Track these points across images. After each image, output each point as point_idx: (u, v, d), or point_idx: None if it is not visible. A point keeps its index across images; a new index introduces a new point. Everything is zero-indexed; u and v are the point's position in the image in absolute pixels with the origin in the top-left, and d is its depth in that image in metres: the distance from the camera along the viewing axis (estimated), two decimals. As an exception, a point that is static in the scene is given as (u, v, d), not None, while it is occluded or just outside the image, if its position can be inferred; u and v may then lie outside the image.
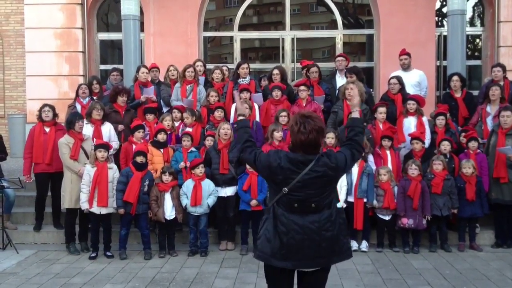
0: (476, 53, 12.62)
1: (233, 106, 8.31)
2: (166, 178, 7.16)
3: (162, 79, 9.39)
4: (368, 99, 8.56)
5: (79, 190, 7.11)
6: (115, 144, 7.87)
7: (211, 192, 7.27)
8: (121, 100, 8.28)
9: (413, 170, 7.25)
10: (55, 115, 7.82)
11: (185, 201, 7.23)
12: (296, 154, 3.59)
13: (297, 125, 3.56)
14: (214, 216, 7.58)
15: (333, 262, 3.66)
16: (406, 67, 9.10)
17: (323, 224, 3.52)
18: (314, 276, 3.66)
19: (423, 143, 7.70)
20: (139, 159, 7.12)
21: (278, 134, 7.58)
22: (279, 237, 3.54)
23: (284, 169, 3.55)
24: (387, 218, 7.36)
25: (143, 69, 8.95)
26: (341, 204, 3.80)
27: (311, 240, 3.50)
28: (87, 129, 7.71)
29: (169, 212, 7.21)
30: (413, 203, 7.15)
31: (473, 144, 7.58)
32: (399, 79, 8.59)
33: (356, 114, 3.86)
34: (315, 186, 3.52)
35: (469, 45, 12.48)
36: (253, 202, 7.20)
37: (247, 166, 7.28)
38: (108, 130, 7.89)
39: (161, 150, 7.63)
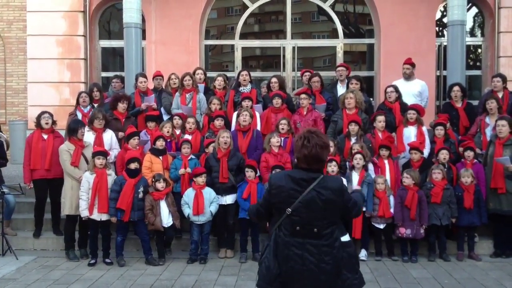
0: (477, 63, 12.66)
1: (234, 114, 8.34)
2: (162, 185, 7.16)
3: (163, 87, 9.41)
4: (367, 109, 8.60)
5: (79, 197, 7.12)
6: (116, 151, 7.88)
7: (213, 200, 7.29)
8: (122, 107, 8.31)
9: (405, 179, 7.28)
10: (53, 122, 7.85)
11: (187, 211, 7.24)
12: (298, 171, 3.60)
13: (301, 140, 3.59)
14: (213, 224, 7.58)
15: None
16: (407, 77, 9.13)
17: (323, 257, 3.50)
18: None
19: (422, 153, 7.71)
20: (133, 165, 7.12)
21: (274, 140, 7.60)
22: (278, 265, 3.55)
23: (286, 188, 3.56)
24: (381, 226, 7.37)
25: (141, 79, 8.97)
26: (347, 238, 3.77)
27: (309, 271, 3.50)
28: (89, 137, 7.73)
29: (166, 219, 7.22)
30: (410, 213, 7.16)
31: (468, 154, 7.60)
32: (395, 87, 8.63)
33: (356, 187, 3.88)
34: (317, 207, 3.51)
35: (469, 55, 12.52)
36: (253, 210, 7.20)
37: (247, 175, 7.31)
38: (109, 138, 7.91)
39: (160, 157, 7.65)
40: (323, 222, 3.53)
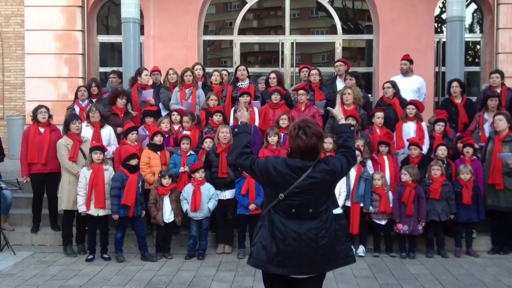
0: (475, 60, 12.66)
1: (232, 110, 8.32)
2: (167, 181, 7.17)
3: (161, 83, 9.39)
4: (365, 104, 8.59)
5: (76, 192, 7.10)
6: (114, 147, 7.86)
7: (211, 196, 7.28)
8: (121, 102, 8.29)
9: (403, 176, 7.28)
10: (50, 116, 7.82)
11: (186, 206, 7.24)
12: (294, 159, 3.59)
13: (295, 130, 3.58)
14: (212, 220, 7.58)
15: (329, 269, 3.67)
16: (404, 72, 9.12)
17: (320, 231, 3.53)
18: (309, 283, 3.65)
19: (421, 149, 7.71)
20: (134, 162, 7.13)
21: (270, 139, 7.59)
22: (276, 244, 3.54)
23: (282, 174, 3.55)
24: (383, 222, 7.37)
25: (146, 72, 8.97)
26: (339, 210, 3.78)
27: (308, 247, 3.51)
28: (87, 132, 7.71)
29: (168, 215, 7.22)
30: (407, 209, 7.17)
31: (467, 150, 7.60)
32: (393, 83, 8.62)
33: (342, 121, 3.87)
34: (312, 191, 3.53)
35: (468, 52, 12.52)
36: (252, 206, 7.21)
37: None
38: (108, 133, 7.89)
39: (158, 153, 7.63)
40: (318, 203, 3.56)
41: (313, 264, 3.55)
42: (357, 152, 7.28)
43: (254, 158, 3.75)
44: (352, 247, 7.11)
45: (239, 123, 4.03)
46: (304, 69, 9.45)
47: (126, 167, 7.08)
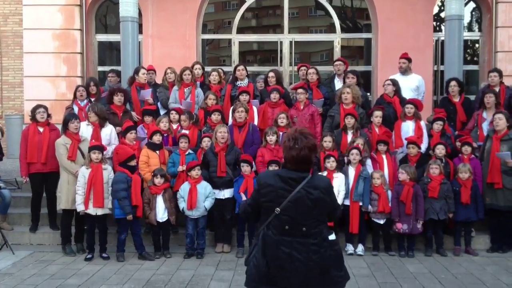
0: (474, 58, 12.66)
1: (231, 109, 8.32)
2: (158, 180, 7.18)
3: (158, 82, 9.37)
4: (364, 103, 8.58)
5: (75, 191, 7.10)
6: (114, 146, 7.83)
7: (208, 195, 7.27)
8: (117, 99, 8.26)
9: (400, 175, 7.29)
10: (48, 115, 7.81)
11: (182, 205, 7.24)
12: (287, 171, 3.61)
13: (289, 141, 3.59)
14: (210, 219, 7.58)
15: None
16: (403, 71, 9.12)
17: (311, 255, 3.52)
18: None
19: (419, 148, 7.71)
20: (133, 162, 7.16)
21: (269, 138, 7.59)
22: (266, 263, 3.56)
23: (275, 188, 3.56)
24: (381, 222, 7.38)
25: (143, 70, 8.95)
26: (333, 236, 3.79)
27: (298, 269, 3.51)
28: (88, 131, 7.71)
29: (161, 214, 7.22)
30: (406, 208, 7.17)
31: (466, 149, 7.60)
32: (393, 81, 8.63)
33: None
34: (306, 207, 3.52)
35: (467, 50, 12.52)
36: (250, 205, 7.19)
37: (243, 170, 7.30)
38: (109, 133, 7.86)
39: (157, 152, 7.63)
40: (312, 221, 3.55)
41: (304, 285, 3.55)
42: (355, 151, 7.35)
43: (246, 202, 3.87)
44: (351, 245, 7.25)
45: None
46: (303, 68, 9.45)
47: (127, 168, 7.09)
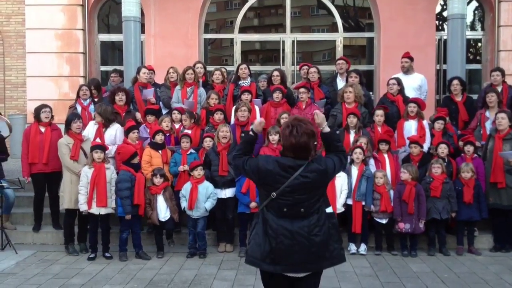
0: (477, 57, 12.64)
1: (233, 109, 8.32)
2: (158, 180, 7.19)
3: (160, 81, 9.37)
4: (367, 102, 8.58)
5: (78, 191, 7.11)
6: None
7: (209, 195, 7.27)
8: (118, 99, 8.26)
9: (402, 174, 7.28)
10: (52, 116, 7.83)
11: (184, 204, 7.26)
12: (286, 158, 3.62)
13: (288, 128, 3.61)
14: (213, 218, 7.58)
15: (324, 267, 3.69)
16: (405, 70, 9.11)
17: (312, 229, 3.54)
18: (306, 281, 3.67)
19: (422, 147, 7.70)
20: (136, 160, 7.21)
21: (271, 137, 7.58)
22: (268, 242, 3.57)
23: (273, 173, 3.58)
24: (384, 221, 7.37)
25: (144, 70, 8.95)
26: (331, 209, 3.80)
27: (300, 246, 3.53)
28: (94, 130, 7.73)
29: (164, 213, 7.23)
30: (408, 207, 7.16)
31: (468, 149, 7.58)
32: (398, 80, 8.61)
33: (326, 129, 3.86)
34: (304, 191, 3.55)
35: (469, 49, 12.50)
36: (253, 204, 7.21)
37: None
38: (114, 133, 7.85)
39: (160, 151, 7.64)
40: (310, 202, 3.58)
41: (306, 263, 3.57)
42: (359, 150, 7.35)
43: (246, 158, 3.79)
44: (354, 245, 7.26)
45: (249, 131, 4.02)
46: (304, 67, 9.46)
47: (131, 166, 7.10)
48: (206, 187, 7.28)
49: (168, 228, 7.38)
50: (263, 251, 3.58)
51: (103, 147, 7.22)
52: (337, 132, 3.97)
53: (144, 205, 7.16)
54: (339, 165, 3.72)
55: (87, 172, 7.05)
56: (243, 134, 4.44)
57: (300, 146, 3.57)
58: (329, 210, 3.75)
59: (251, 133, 3.96)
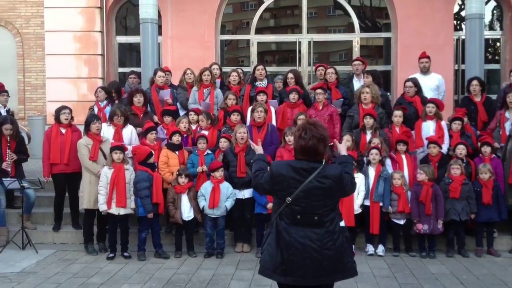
0: (495, 57, 12.52)
1: (249, 109, 8.34)
2: (183, 180, 7.24)
3: (177, 83, 9.43)
4: (384, 103, 8.54)
5: (97, 191, 7.19)
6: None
7: (229, 195, 7.31)
8: (136, 100, 8.33)
9: (418, 175, 7.24)
10: (72, 117, 7.93)
11: (203, 203, 7.29)
12: (299, 161, 3.63)
13: (299, 131, 3.63)
14: (230, 218, 7.61)
15: (336, 280, 3.68)
16: (425, 71, 9.05)
17: (325, 243, 3.53)
18: None
19: (440, 147, 7.65)
20: (152, 159, 7.27)
21: (287, 138, 7.59)
22: (280, 253, 3.57)
23: (286, 177, 3.58)
24: (401, 222, 7.33)
25: (160, 73, 9.00)
26: (343, 223, 3.81)
27: (312, 259, 3.52)
28: (109, 131, 7.80)
29: (187, 213, 7.28)
30: (425, 208, 7.12)
31: (485, 149, 7.52)
32: (414, 81, 8.56)
33: (343, 153, 3.94)
34: (318, 197, 3.54)
35: (488, 49, 12.39)
36: (269, 205, 7.20)
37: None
38: (129, 133, 7.94)
39: (176, 152, 7.69)
40: (324, 210, 3.57)
41: (318, 275, 3.56)
42: (375, 151, 7.32)
43: (261, 174, 3.83)
44: (371, 246, 7.23)
45: (255, 157, 4.10)
46: (320, 68, 9.45)
47: (148, 166, 7.17)
48: (226, 187, 7.32)
49: (190, 231, 7.40)
50: (275, 262, 3.59)
51: (122, 148, 7.29)
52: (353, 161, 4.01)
53: (167, 204, 7.22)
54: (349, 184, 3.71)
55: (106, 173, 7.12)
56: (251, 161, 4.53)
57: (309, 149, 3.57)
58: (342, 223, 3.74)
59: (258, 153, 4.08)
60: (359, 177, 7.26)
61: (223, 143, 7.71)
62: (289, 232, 3.56)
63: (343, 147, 4.01)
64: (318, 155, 3.60)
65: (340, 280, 3.69)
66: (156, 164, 7.40)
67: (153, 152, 7.37)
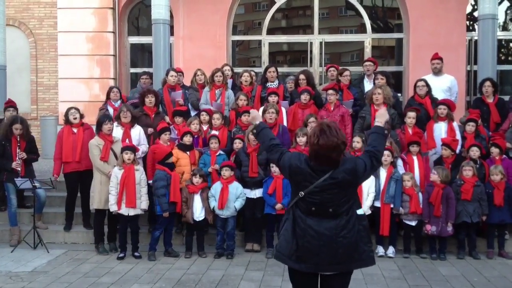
0: (508, 58, 12.41)
1: (261, 110, 8.34)
2: (197, 180, 7.27)
3: (188, 83, 9.46)
4: (395, 104, 8.50)
5: (108, 191, 7.23)
6: (144, 147, 7.93)
7: (239, 196, 7.32)
8: (148, 101, 8.35)
9: (432, 175, 7.21)
10: (81, 116, 7.99)
11: (213, 203, 7.31)
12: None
13: (312, 137, 3.59)
14: (239, 219, 7.61)
15: (352, 268, 3.67)
16: (437, 72, 8.99)
17: (340, 231, 3.52)
18: (335, 280, 3.66)
19: (453, 150, 7.59)
20: (171, 160, 7.32)
21: (299, 139, 7.58)
22: (296, 240, 3.57)
23: (304, 172, 3.58)
24: (413, 223, 7.29)
25: (172, 73, 9.03)
26: (362, 211, 3.78)
27: (327, 246, 3.51)
28: (117, 132, 7.84)
29: (198, 213, 7.30)
30: (435, 210, 7.08)
31: (493, 151, 7.48)
32: (426, 81, 8.51)
33: (378, 124, 3.89)
34: (332, 191, 3.53)
35: (501, 50, 12.28)
36: (278, 206, 7.23)
37: (272, 170, 7.32)
38: (137, 133, 7.98)
39: (187, 152, 7.71)
40: (339, 202, 3.55)
41: (333, 263, 3.55)
42: (387, 152, 7.29)
43: (282, 151, 3.80)
44: (381, 247, 7.20)
45: (255, 125, 4.08)
46: (332, 69, 9.42)
47: (166, 165, 7.21)
48: (236, 187, 7.33)
49: (201, 233, 7.43)
50: (291, 248, 3.59)
51: (133, 149, 7.32)
52: (386, 132, 3.89)
53: (181, 203, 7.25)
54: (370, 168, 3.64)
55: (117, 173, 7.16)
56: (254, 131, 4.48)
57: (321, 156, 3.54)
58: (360, 211, 3.72)
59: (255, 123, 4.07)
60: (369, 178, 7.23)
61: (238, 144, 7.73)
62: (304, 220, 3.57)
63: (381, 116, 3.90)
64: (330, 162, 3.56)
65: (356, 268, 3.69)
66: (174, 164, 7.42)
67: (172, 152, 7.39)
